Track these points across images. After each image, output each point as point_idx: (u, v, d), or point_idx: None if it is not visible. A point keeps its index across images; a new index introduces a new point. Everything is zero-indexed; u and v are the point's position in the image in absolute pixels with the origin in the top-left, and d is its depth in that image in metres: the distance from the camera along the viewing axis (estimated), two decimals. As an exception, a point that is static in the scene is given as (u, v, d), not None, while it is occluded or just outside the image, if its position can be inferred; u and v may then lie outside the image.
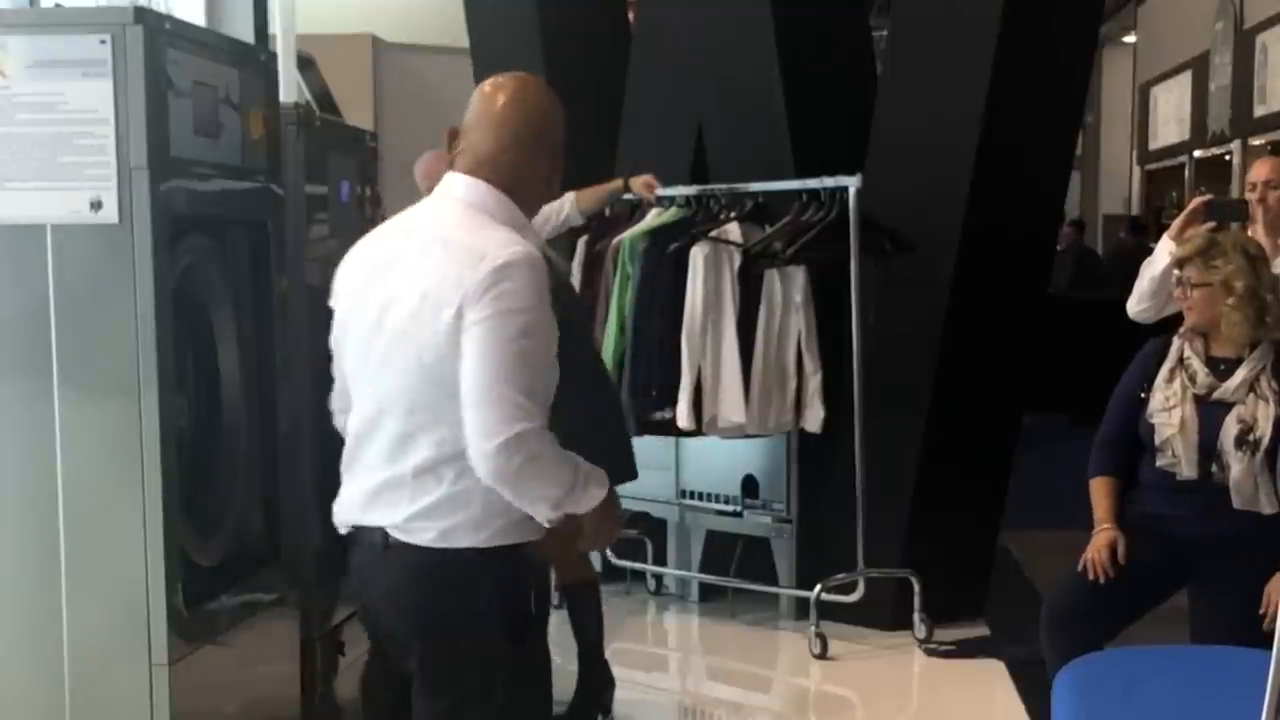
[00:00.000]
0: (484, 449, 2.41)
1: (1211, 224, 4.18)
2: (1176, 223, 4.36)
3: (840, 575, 5.40)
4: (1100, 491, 4.05)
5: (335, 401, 2.77)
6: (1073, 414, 9.10)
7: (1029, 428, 6.21)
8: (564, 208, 5.19)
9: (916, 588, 5.43)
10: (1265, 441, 3.79)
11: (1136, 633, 4.01)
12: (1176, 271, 4.01)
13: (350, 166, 4.32)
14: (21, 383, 3.15)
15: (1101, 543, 3.93)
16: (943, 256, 5.47)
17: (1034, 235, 5.85)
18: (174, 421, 3.23)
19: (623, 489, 4.27)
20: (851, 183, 5.24)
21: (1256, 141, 11.45)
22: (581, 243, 5.70)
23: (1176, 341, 3.99)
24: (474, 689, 2.56)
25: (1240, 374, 3.86)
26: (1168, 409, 3.89)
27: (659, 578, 6.17)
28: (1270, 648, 2.45)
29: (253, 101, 3.61)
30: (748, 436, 5.57)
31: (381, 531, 2.55)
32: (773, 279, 5.42)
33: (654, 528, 6.06)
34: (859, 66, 6.26)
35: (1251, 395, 3.83)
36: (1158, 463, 3.91)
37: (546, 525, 2.54)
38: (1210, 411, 3.85)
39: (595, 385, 4.42)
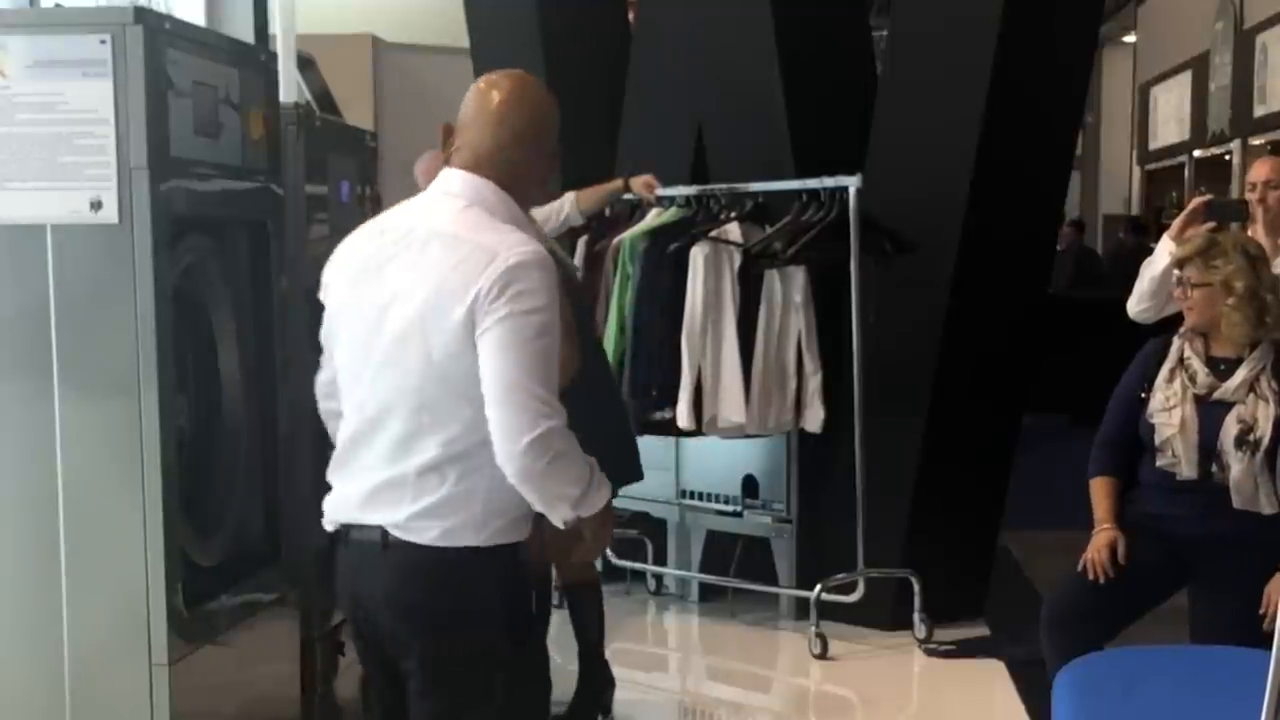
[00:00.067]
0: (512, 449, 2.41)
1: (1211, 224, 4.18)
2: (1176, 223, 4.36)
3: (840, 575, 5.40)
4: (1100, 491, 4.05)
5: (321, 389, 2.75)
6: (1073, 414, 9.10)
7: (1029, 428, 6.21)
8: (564, 208, 5.19)
9: (916, 588, 5.43)
10: (1265, 441, 3.79)
11: (1136, 633, 4.01)
12: (1176, 271, 4.01)
13: (350, 166, 4.32)
14: (21, 383, 3.15)
15: (1101, 543, 3.93)
16: (943, 256, 5.47)
17: (1034, 235, 5.85)
18: (174, 421, 3.23)
19: (623, 489, 4.30)
20: (851, 183, 5.24)
21: (1256, 141, 11.45)
22: (581, 243, 5.70)
23: (1176, 341, 3.99)
24: (474, 688, 2.55)
25: (1240, 374, 3.85)
26: (1168, 409, 3.89)
27: (659, 578, 6.17)
28: (1270, 648, 2.45)
29: (253, 101, 3.61)
30: (748, 436, 5.57)
31: (380, 530, 2.53)
32: (773, 279, 5.42)
33: (654, 528, 6.06)
34: (859, 66, 6.26)
35: (1251, 395, 3.83)
36: (1158, 463, 3.91)
37: (562, 526, 2.54)
38: (1210, 411, 3.85)
39: (602, 386, 4.41)
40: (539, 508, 2.50)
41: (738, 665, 5.58)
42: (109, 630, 3.18)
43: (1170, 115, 14.68)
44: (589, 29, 6.97)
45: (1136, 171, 16.79)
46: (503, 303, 2.43)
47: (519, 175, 2.61)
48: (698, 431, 5.45)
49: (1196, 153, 13.59)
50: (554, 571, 4.55)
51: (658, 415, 5.37)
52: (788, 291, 5.44)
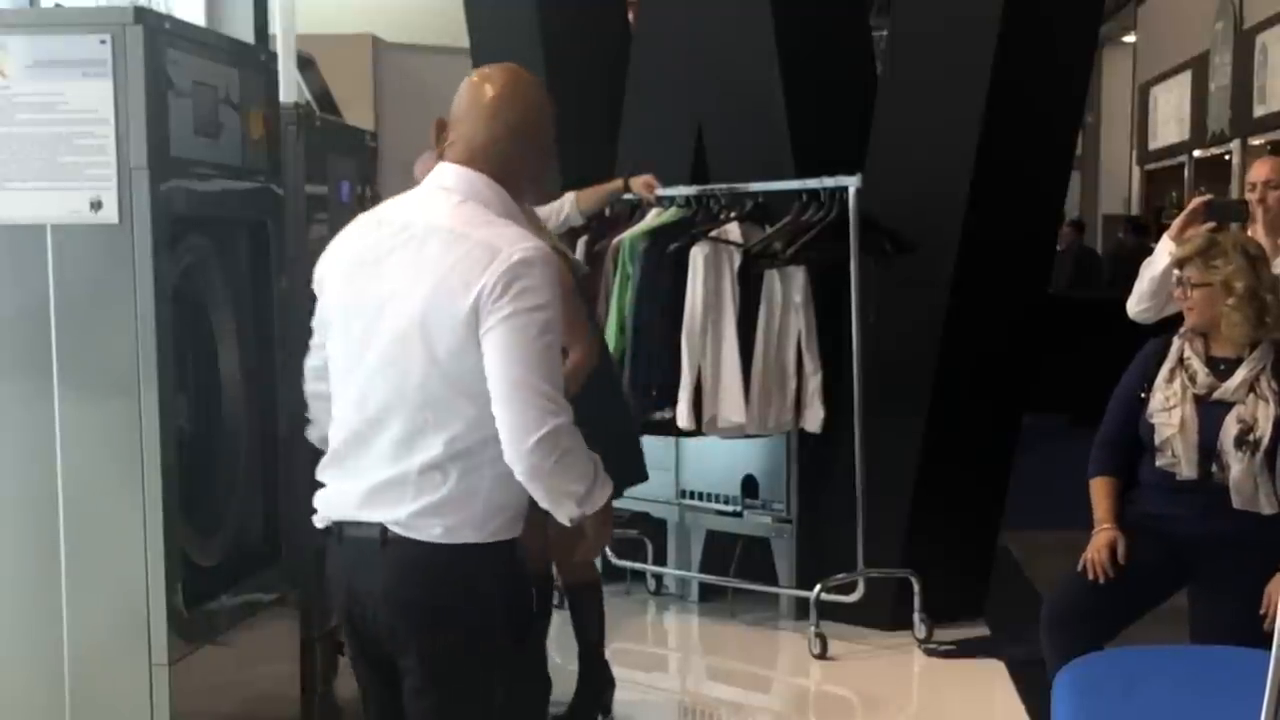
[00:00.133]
0: (520, 448, 2.41)
1: (1211, 224, 4.18)
2: (1176, 223, 4.36)
3: (840, 575, 5.40)
4: (1100, 491, 4.05)
5: (311, 371, 2.73)
6: (1073, 414, 9.11)
7: (1029, 428, 6.21)
8: (564, 208, 5.20)
9: (916, 588, 5.43)
10: (1265, 441, 3.79)
11: (1136, 633, 4.01)
12: (1176, 272, 4.01)
13: (350, 166, 4.32)
14: (21, 383, 3.15)
15: (1101, 543, 3.93)
16: (943, 256, 5.47)
17: (1034, 235, 5.85)
18: (174, 421, 3.23)
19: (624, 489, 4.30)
20: (851, 183, 5.24)
21: (1256, 141, 11.46)
22: (581, 243, 5.70)
23: (1176, 341, 3.99)
24: (473, 684, 2.55)
25: (1240, 374, 3.85)
26: (1168, 409, 3.89)
27: (659, 578, 6.17)
28: (1270, 648, 2.46)
29: (253, 101, 3.61)
30: (748, 436, 5.57)
31: (379, 527, 2.51)
32: (773, 279, 5.42)
33: (654, 528, 6.06)
34: (859, 66, 6.26)
35: (1251, 395, 3.83)
36: (1158, 463, 3.91)
37: (568, 524, 2.54)
38: (1210, 411, 3.85)
39: (607, 386, 4.41)
40: (545, 505, 2.50)
41: (738, 665, 5.58)
42: (109, 630, 3.18)
43: (1170, 115, 14.69)
44: (589, 29, 6.97)
45: (1136, 171, 16.79)
46: (506, 300, 2.42)
47: (513, 169, 2.60)
48: (698, 431, 5.45)
49: (1196, 153, 13.60)
50: (555, 571, 4.55)
51: (658, 415, 5.37)
52: (788, 291, 5.44)
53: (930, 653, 5.36)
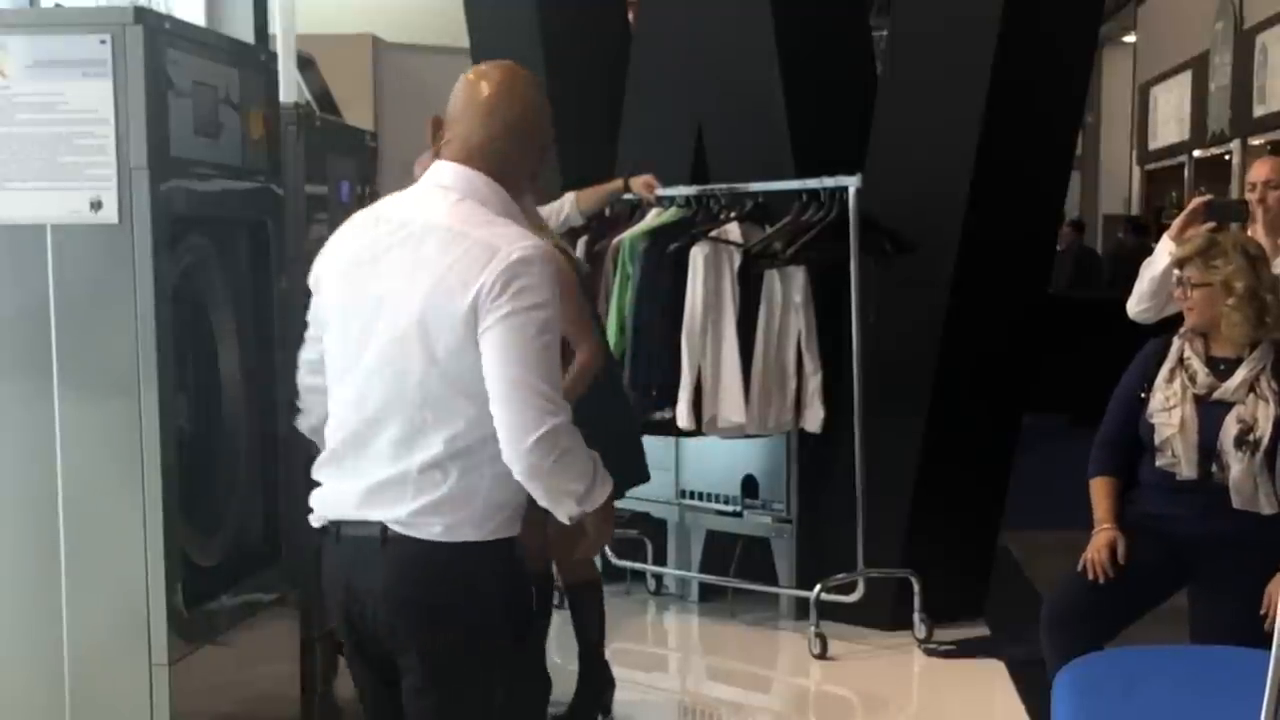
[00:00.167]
0: (519, 448, 2.40)
1: (1211, 224, 4.18)
2: (1176, 223, 4.36)
3: (840, 575, 5.40)
4: (1100, 491, 4.05)
5: (306, 365, 2.72)
6: (1073, 414, 9.11)
7: (1029, 428, 6.21)
8: (564, 208, 5.19)
9: (916, 588, 5.43)
10: (1265, 441, 3.79)
11: (1136, 633, 4.01)
12: (1176, 272, 4.01)
13: (350, 166, 4.32)
14: (21, 383, 3.15)
15: (1101, 543, 3.93)
16: (943, 256, 5.47)
17: (1034, 235, 5.85)
18: (174, 421, 3.23)
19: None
20: (851, 183, 5.24)
21: (1256, 141, 11.46)
22: (581, 243, 5.70)
23: (1176, 342, 3.99)
24: (473, 683, 2.54)
25: (1240, 374, 3.86)
26: (1168, 409, 3.89)
27: (659, 578, 6.17)
28: (1270, 648, 2.46)
29: (253, 101, 3.61)
30: (748, 436, 5.57)
31: (379, 526, 2.51)
32: (773, 279, 5.42)
33: (654, 528, 6.06)
34: (859, 66, 6.26)
35: (1251, 395, 3.84)
36: (1158, 463, 3.91)
37: (567, 522, 2.54)
38: (1210, 411, 3.85)
39: (609, 386, 4.41)
40: (545, 504, 2.50)
41: (738, 665, 5.58)
42: (109, 630, 3.18)
43: (1170, 115, 14.69)
44: (589, 29, 6.98)
45: (1136, 171, 16.79)
46: (505, 299, 2.41)
47: (511, 167, 2.59)
48: (698, 431, 5.45)
49: (1196, 153, 13.60)
50: (555, 571, 4.55)
51: (658, 415, 5.38)
52: (788, 291, 5.44)
53: (930, 653, 5.36)
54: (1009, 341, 5.74)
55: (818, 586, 5.35)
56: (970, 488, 5.71)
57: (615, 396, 4.53)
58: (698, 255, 5.36)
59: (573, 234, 5.61)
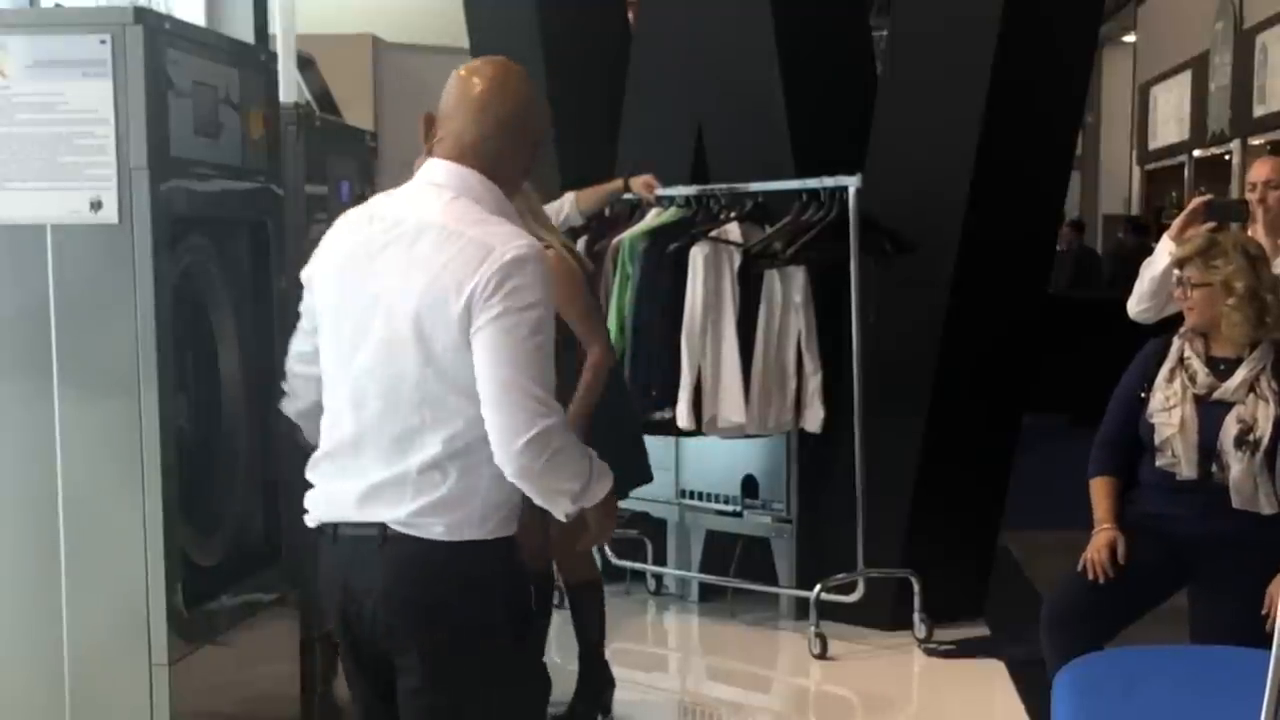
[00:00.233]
0: (509, 450, 2.40)
1: (1211, 224, 4.18)
2: (1176, 223, 4.36)
3: (840, 575, 5.40)
4: (1100, 491, 4.05)
5: (299, 356, 2.71)
6: (1073, 414, 9.11)
7: (1029, 428, 6.21)
8: (564, 208, 5.19)
9: (916, 588, 5.43)
10: (1265, 441, 3.79)
11: (1136, 633, 4.01)
12: (1177, 272, 4.01)
13: (350, 166, 4.32)
14: (21, 383, 3.15)
15: (1101, 543, 3.93)
16: (943, 256, 5.47)
17: (1034, 235, 5.85)
18: (174, 421, 3.23)
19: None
20: (851, 183, 5.24)
21: (1256, 141, 11.46)
22: (581, 243, 5.69)
23: (1177, 341, 3.99)
24: (473, 683, 2.53)
25: (1240, 374, 3.86)
26: (1168, 409, 3.89)
27: (659, 578, 6.17)
28: (1270, 648, 2.46)
29: (253, 101, 3.61)
30: (748, 436, 5.57)
31: (378, 526, 2.50)
32: (773, 279, 5.42)
33: (654, 528, 6.06)
34: (859, 66, 6.26)
35: (1251, 395, 3.83)
36: (1158, 463, 3.91)
37: (564, 519, 2.53)
38: (1210, 411, 3.85)
39: (613, 387, 4.41)
40: (540, 503, 2.50)
41: (738, 665, 5.58)
42: (109, 630, 3.18)
43: (1170, 115, 14.69)
44: (589, 29, 6.97)
45: (1136, 171, 16.80)
46: (498, 299, 2.40)
47: (504, 164, 2.58)
48: (697, 431, 5.45)
49: (1196, 153, 13.60)
50: (556, 571, 4.55)
51: (658, 415, 5.37)
52: (788, 291, 5.44)
53: (930, 653, 5.36)
54: (1009, 341, 5.74)
55: (818, 586, 5.34)
56: (970, 488, 5.71)
57: (618, 397, 4.53)
58: (698, 255, 5.36)
59: (573, 234, 5.60)
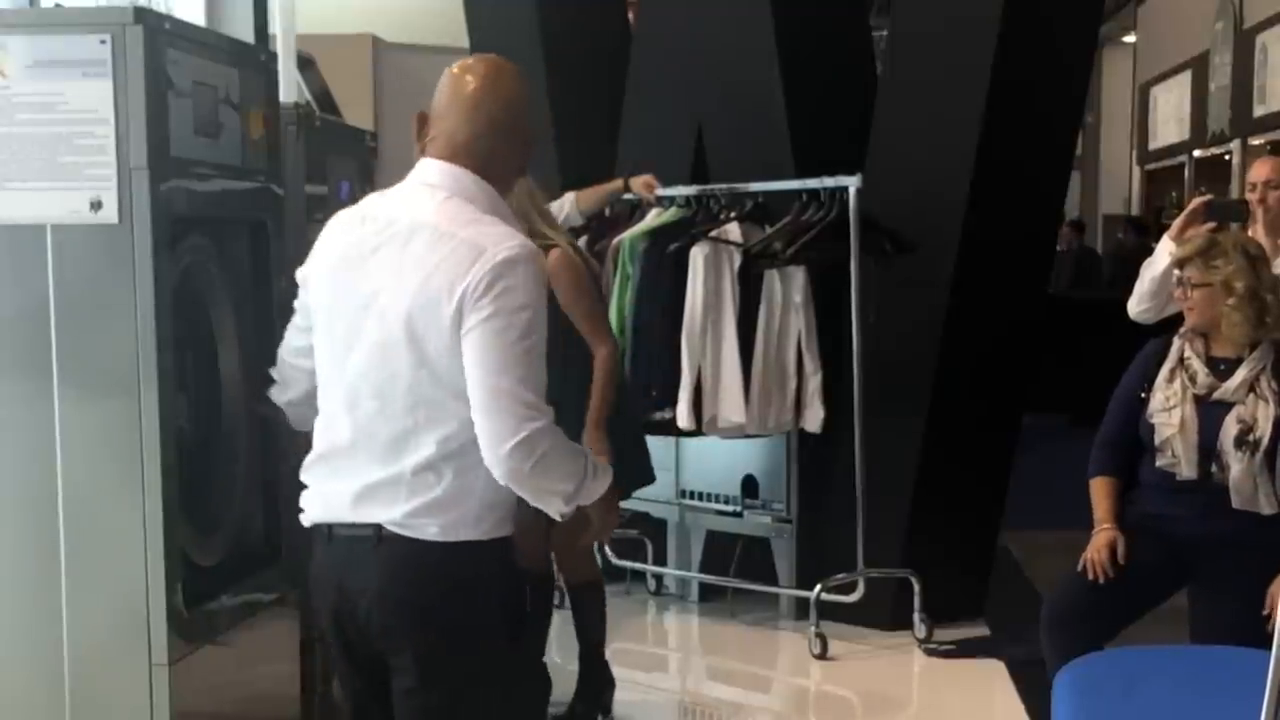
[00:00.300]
0: (497, 453, 2.39)
1: (1211, 224, 4.18)
2: (1176, 223, 4.36)
3: (840, 575, 5.40)
4: (1100, 491, 4.05)
5: (292, 351, 2.72)
6: (1073, 414, 9.11)
7: (1029, 428, 6.21)
8: (564, 208, 5.19)
9: (916, 588, 5.43)
10: (1265, 441, 3.79)
11: (1136, 633, 4.02)
12: (1177, 272, 4.01)
13: (350, 166, 4.32)
14: (21, 383, 3.15)
15: (1101, 543, 3.93)
16: (943, 256, 5.47)
17: (1034, 235, 5.85)
18: (174, 421, 3.22)
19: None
20: (851, 183, 5.24)
21: (1256, 141, 11.46)
22: (581, 243, 5.68)
23: (1177, 342, 3.99)
24: (469, 683, 2.53)
25: (1240, 374, 3.86)
26: (1168, 409, 3.89)
27: (659, 578, 6.17)
28: (1270, 648, 2.46)
29: (253, 101, 3.61)
30: (748, 436, 5.57)
31: (373, 527, 2.50)
32: (773, 279, 5.42)
33: (654, 528, 6.06)
34: (859, 66, 6.26)
35: (1251, 395, 3.84)
36: (1158, 463, 3.91)
37: (558, 519, 2.53)
38: (1210, 411, 3.85)
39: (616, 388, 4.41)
40: (533, 504, 2.49)
41: (738, 665, 5.58)
42: (109, 630, 3.17)
43: (1170, 115, 14.69)
44: (589, 29, 6.98)
45: (1136, 171, 16.79)
46: (488, 300, 2.40)
47: (497, 163, 2.57)
48: (698, 431, 5.45)
49: (1196, 153, 13.60)
50: (557, 571, 4.55)
51: (658, 415, 5.37)
52: (788, 291, 5.44)
53: (930, 653, 5.36)
54: (1009, 341, 5.74)
55: (818, 586, 5.35)
56: (970, 488, 5.71)
57: (623, 399, 4.54)
58: (698, 255, 5.36)
59: (573, 234, 5.60)
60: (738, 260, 5.38)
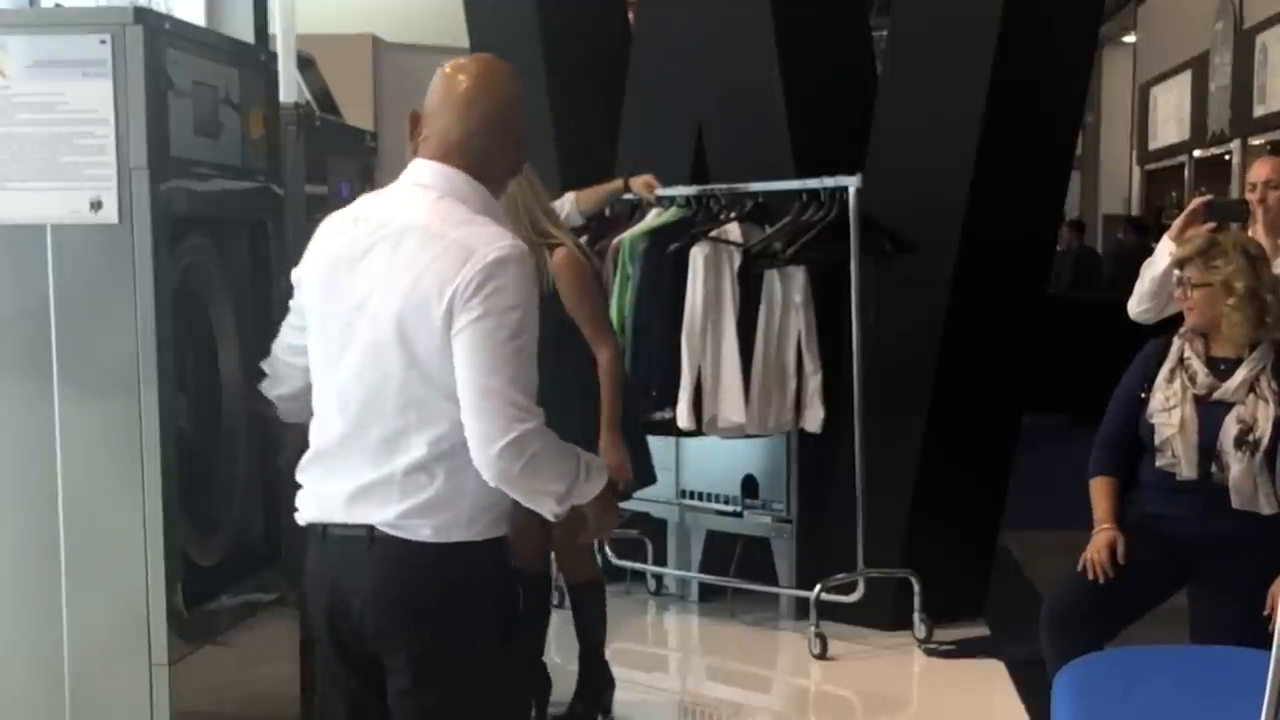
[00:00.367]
0: (486, 455, 2.39)
1: (1211, 224, 4.18)
2: (1176, 223, 4.36)
3: (840, 575, 5.40)
4: (1100, 491, 4.05)
5: (287, 349, 2.73)
6: (1073, 414, 9.11)
7: (1029, 428, 6.21)
8: (564, 208, 5.18)
9: (916, 588, 5.43)
10: (1265, 442, 3.79)
11: (1136, 633, 4.01)
12: (1177, 272, 4.01)
13: (350, 166, 4.32)
14: (21, 383, 3.15)
15: (1101, 543, 3.93)
16: (943, 256, 5.47)
17: (1034, 235, 5.85)
18: (174, 421, 3.22)
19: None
20: (851, 183, 5.24)
21: (1256, 141, 11.46)
22: (581, 242, 5.70)
23: (1177, 342, 3.99)
24: (462, 683, 2.53)
25: (1240, 374, 3.86)
26: (1168, 409, 3.89)
27: (659, 578, 6.17)
28: (1270, 648, 2.46)
29: (253, 101, 3.61)
30: (748, 436, 5.57)
31: (366, 528, 2.49)
32: (773, 279, 5.42)
33: (654, 528, 6.06)
34: (859, 66, 6.26)
35: (1251, 395, 3.84)
36: (1158, 463, 3.91)
37: (552, 519, 2.53)
38: (1210, 412, 3.85)
39: None
40: (525, 504, 2.49)
41: (738, 665, 5.58)
42: (109, 630, 3.18)
43: (1170, 115, 14.69)
44: (589, 29, 6.98)
45: (1136, 171, 16.79)
46: (478, 300, 2.39)
47: (489, 162, 2.56)
48: (698, 431, 5.45)
49: (1196, 153, 13.60)
50: (557, 571, 4.55)
51: (658, 415, 5.37)
52: (788, 291, 5.44)
53: (930, 653, 5.36)
54: (1009, 341, 5.74)
55: (818, 586, 5.35)
56: (970, 488, 5.71)
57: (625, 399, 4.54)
58: (698, 255, 5.36)
59: (573, 234, 5.60)
60: (738, 260, 5.38)
